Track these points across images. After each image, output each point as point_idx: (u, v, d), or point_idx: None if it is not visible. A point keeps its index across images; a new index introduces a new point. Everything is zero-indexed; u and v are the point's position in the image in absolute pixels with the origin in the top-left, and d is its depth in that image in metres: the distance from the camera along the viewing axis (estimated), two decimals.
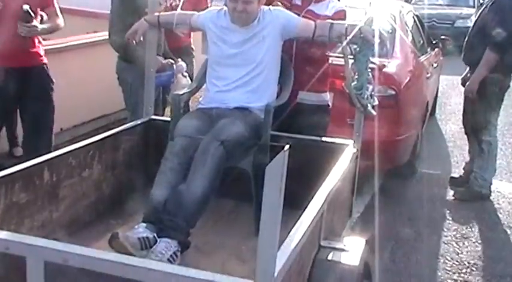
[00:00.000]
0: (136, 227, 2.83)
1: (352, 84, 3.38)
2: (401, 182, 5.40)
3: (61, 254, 1.96)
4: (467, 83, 5.05)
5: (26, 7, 3.89)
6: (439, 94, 8.43)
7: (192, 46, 5.03)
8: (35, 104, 4.24)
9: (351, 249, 2.69)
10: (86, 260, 1.95)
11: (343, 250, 2.65)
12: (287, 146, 1.68)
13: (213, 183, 2.94)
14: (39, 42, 4.28)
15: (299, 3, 3.69)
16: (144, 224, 2.84)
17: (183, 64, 4.15)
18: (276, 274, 1.83)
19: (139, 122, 3.79)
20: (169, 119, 3.59)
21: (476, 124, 5.17)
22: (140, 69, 3.83)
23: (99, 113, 6.38)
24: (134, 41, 3.69)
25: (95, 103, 6.14)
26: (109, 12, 4.37)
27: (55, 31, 4.31)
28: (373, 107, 3.47)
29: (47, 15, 4.15)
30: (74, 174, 3.15)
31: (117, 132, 3.55)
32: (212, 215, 3.20)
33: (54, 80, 4.35)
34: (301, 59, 3.62)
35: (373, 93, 3.47)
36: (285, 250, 2.05)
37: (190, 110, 4.06)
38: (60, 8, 4.32)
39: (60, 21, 4.30)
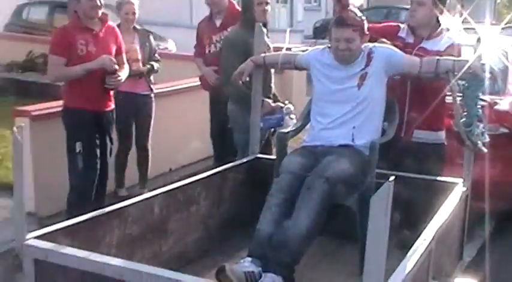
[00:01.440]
0: (242, 261, 2.86)
1: (461, 121, 3.29)
2: None
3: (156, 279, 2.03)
4: None
5: (115, 66, 4.18)
6: None
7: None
8: None
9: None
10: None
11: None
12: (392, 177, 1.67)
13: (318, 220, 2.93)
14: None
15: (411, 41, 3.67)
16: (250, 259, 2.87)
17: (291, 107, 4.22)
18: None
19: (245, 160, 3.88)
20: (274, 157, 3.64)
21: None
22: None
23: (207, 154, 6.56)
24: (241, 82, 3.81)
25: (205, 143, 6.33)
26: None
27: None
28: (483, 144, 3.35)
29: (117, 63, 4.30)
30: (182, 209, 3.26)
31: (224, 170, 3.65)
32: (317, 253, 3.19)
33: None
34: (417, 95, 3.57)
35: (483, 130, 3.36)
36: None
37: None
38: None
39: (127, 68, 4.55)
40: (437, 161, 3.67)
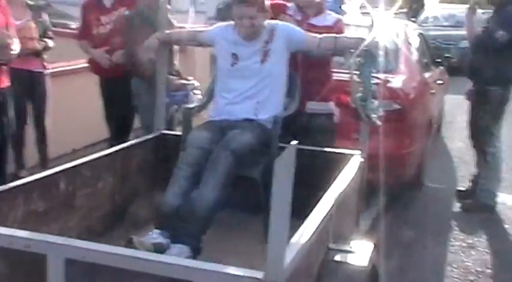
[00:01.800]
0: (150, 233, 2.92)
1: (357, 95, 3.48)
2: (408, 196, 5.47)
3: (80, 251, 2.05)
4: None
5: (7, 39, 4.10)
6: (445, 113, 8.52)
7: None
8: None
9: (359, 251, 2.76)
10: (103, 255, 2.04)
11: (350, 252, 2.72)
12: (295, 141, 1.78)
13: (224, 191, 3.03)
14: None
15: (299, 18, 3.86)
16: (158, 231, 2.93)
17: (196, 83, 4.28)
18: (285, 266, 1.91)
19: (151, 136, 3.90)
20: (180, 133, 3.70)
21: (480, 136, 5.26)
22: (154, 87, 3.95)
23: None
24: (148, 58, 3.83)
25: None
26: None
27: None
28: (378, 118, 3.57)
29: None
30: (88, 185, 3.25)
31: (130, 145, 3.67)
32: (223, 225, 3.27)
33: None
34: (306, 70, 3.74)
35: (378, 105, 3.58)
36: (293, 246, 2.12)
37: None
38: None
39: (17, 42, 4.41)
40: (330, 130, 3.90)
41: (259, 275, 1.87)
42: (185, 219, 2.95)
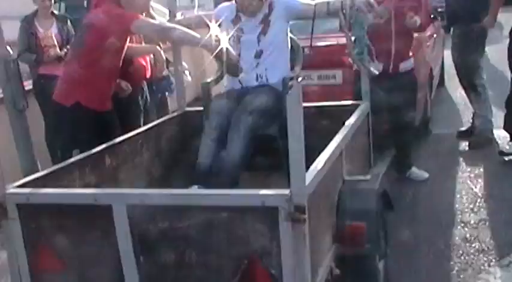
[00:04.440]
0: (190, 187, 3.36)
1: (354, 51, 3.90)
2: (416, 142, 5.87)
3: (139, 197, 2.51)
4: (486, 19, 5.62)
5: None
6: (447, 67, 8.86)
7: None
8: None
9: (371, 179, 3.19)
10: (158, 197, 2.49)
11: (363, 180, 3.15)
12: (300, 78, 2.20)
13: (248, 147, 3.49)
14: None
15: None
16: (196, 186, 3.38)
17: (185, 65, 4.65)
18: (306, 184, 2.34)
19: (175, 114, 4.37)
20: (201, 108, 4.13)
21: (470, 71, 5.78)
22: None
23: None
24: None
25: None
26: None
27: None
28: (375, 68, 4.00)
29: None
30: (128, 160, 3.70)
31: (159, 123, 4.12)
32: (248, 182, 3.70)
33: None
34: (397, 35, 4.79)
35: (373, 56, 4.01)
36: (311, 172, 2.55)
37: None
38: None
39: None
40: (413, 83, 5.02)
41: (286, 191, 2.30)
42: (217, 174, 3.41)
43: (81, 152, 3.43)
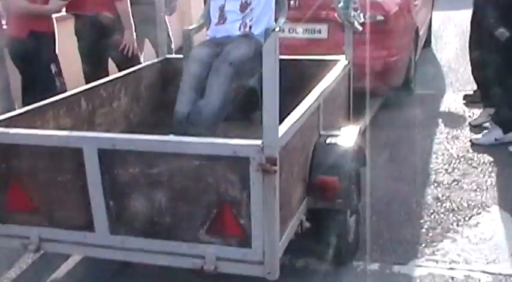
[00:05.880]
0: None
1: (339, 5, 3.85)
2: (399, 102, 5.88)
3: (111, 141, 2.49)
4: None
5: None
6: (435, 28, 8.83)
7: None
8: None
9: (346, 135, 3.19)
10: (130, 142, 2.47)
11: (339, 135, 3.15)
12: (277, 28, 2.17)
13: (227, 98, 3.45)
14: None
15: None
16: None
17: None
18: (279, 136, 2.33)
19: (156, 60, 4.31)
20: (181, 56, 4.08)
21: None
22: None
23: None
24: None
25: None
26: None
27: None
28: (360, 24, 3.95)
29: None
30: (105, 105, 3.66)
31: (139, 69, 4.07)
32: (226, 132, 3.69)
33: None
34: None
35: (359, 12, 3.96)
36: (286, 123, 2.54)
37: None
38: None
39: None
40: None
41: (258, 142, 2.29)
42: (196, 123, 3.38)
43: None
